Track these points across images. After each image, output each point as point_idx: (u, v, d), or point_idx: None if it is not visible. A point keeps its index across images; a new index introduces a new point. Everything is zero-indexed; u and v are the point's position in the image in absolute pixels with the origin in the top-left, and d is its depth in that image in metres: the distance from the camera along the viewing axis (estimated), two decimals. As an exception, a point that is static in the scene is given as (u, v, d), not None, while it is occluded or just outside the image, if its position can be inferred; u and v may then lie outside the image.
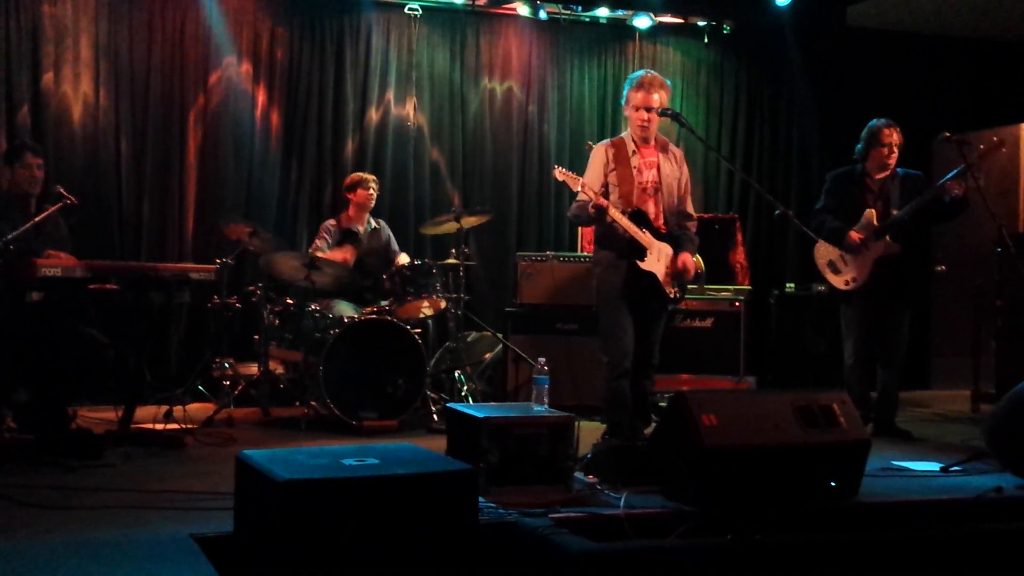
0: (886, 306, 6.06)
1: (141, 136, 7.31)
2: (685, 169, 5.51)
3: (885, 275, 6.00)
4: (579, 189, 5.21)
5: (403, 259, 6.83)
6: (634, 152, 5.30)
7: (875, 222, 6.01)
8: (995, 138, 5.97)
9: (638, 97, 5.28)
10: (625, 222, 5.16)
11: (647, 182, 5.30)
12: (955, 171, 5.82)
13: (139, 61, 7.29)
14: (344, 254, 6.70)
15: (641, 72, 5.44)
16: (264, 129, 7.60)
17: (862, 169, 6.16)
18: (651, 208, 5.31)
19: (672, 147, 5.48)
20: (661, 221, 5.33)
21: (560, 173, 5.28)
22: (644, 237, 5.19)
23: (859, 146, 6.16)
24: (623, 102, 5.42)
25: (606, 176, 5.30)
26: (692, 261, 5.35)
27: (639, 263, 5.20)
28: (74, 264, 5.00)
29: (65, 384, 5.11)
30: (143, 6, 7.29)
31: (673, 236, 5.35)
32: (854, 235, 6.01)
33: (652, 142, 5.37)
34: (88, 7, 7.15)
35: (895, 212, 5.98)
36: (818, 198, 6.43)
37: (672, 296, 5.32)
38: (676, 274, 5.32)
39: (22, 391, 5.29)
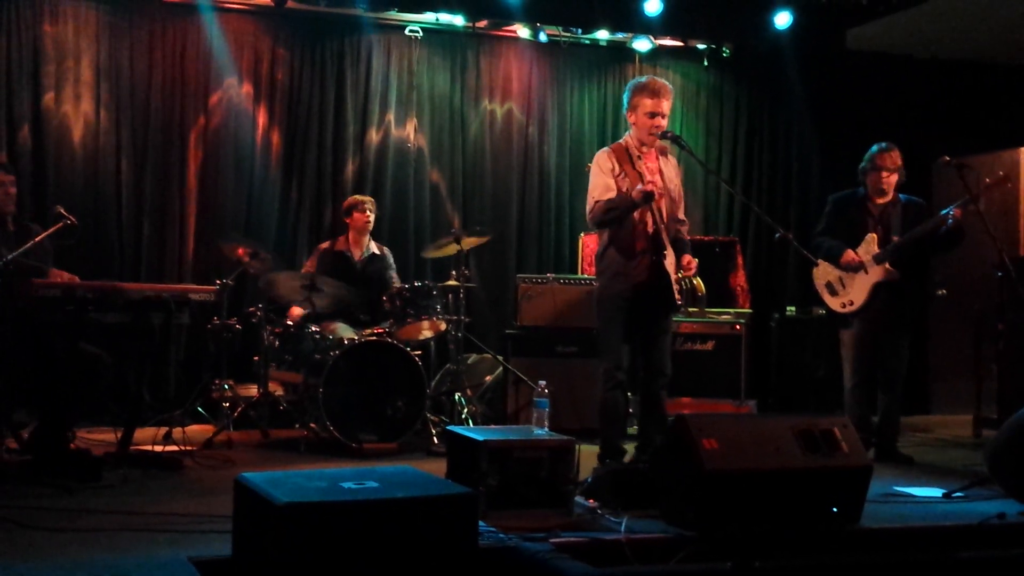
0: (884, 330, 6.05)
1: (141, 156, 7.32)
2: (678, 177, 5.52)
3: (883, 299, 6.00)
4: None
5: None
6: (639, 157, 5.30)
7: (876, 247, 6.01)
8: (1000, 172, 5.98)
9: (649, 104, 5.25)
10: (657, 215, 5.13)
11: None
12: (956, 204, 5.82)
13: (140, 82, 7.32)
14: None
15: (645, 78, 5.42)
16: (264, 150, 7.61)
17: (864, 193, 6.16)
18: (656, 214, 5.31)
19: (669, 155, 5.49)
20: (663, 227, 5.33)
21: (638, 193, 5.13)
22: (664, 236, 5.19)
23: (861, 166, 6.18)
24: (626, 107, 5.37)
25: (616, 181, 5.25)
26: (694, 259, 5.34)
27: (664, 261, 5.16)
28: (74, 284, 4.99)
29: (65, 405, 5.09)
30: (144, 27, 7.32)
31: (672, 242, 5.34)
32: (851, 254, 6.01)
33: (653, 148, 5.37)
34: (89, 27, 7.18)
35: (896, 238, 5.98)
36: (817, 221, 6.44)
37: (678, 302, 5.30)
38: (681, 280, 5.31)
39: (22, 412, 5.27)
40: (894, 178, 6.08)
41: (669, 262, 5.22)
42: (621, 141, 5.40)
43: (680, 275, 5.29)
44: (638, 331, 5.30)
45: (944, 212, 5.84)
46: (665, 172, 5.37)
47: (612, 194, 5.20)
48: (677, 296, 5.27)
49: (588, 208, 5.35)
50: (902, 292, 6.02)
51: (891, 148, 6.09)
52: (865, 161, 6.15)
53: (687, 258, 5.29)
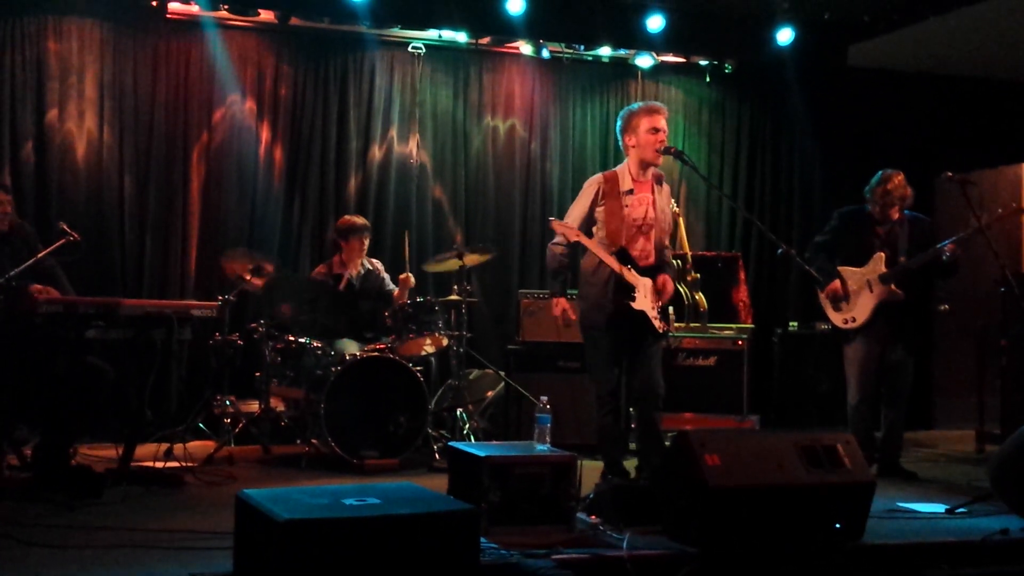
0: (889, 346, 6.04)
1: (144, 172, 7.34)
2: (670, 205, 5.53)
3: (887, 317, 5.99)
4: (574, 239, 5.23)
5: (398, 291, 6.80)
6: (630, 191, 5.28)
7: (883, 266, 6.00)
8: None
9: (647, 122, 5.25)
10: (617, 266, 5.15)
11: (640, 219, 5.29)
12: (953, 239, 5.83)
13: (143, 98, 7.34)
14: None
15: (636, 104, 5.43)
16: (267, 166, 7.63)
17: (870, 210, 6.15)
18: (642, 245, 5.29)
19: (664, 182, 5.49)
20: (652, 259, 5.33)
21: (559, 225, 5.25)
22: (632, 276, 5.19)
23: (867, 191, 6.15)
24: (622, 133, 5.36)
25: (593, 211, 5.30)
26: (671, 283, 5.34)
27: (631, 304, 5.18)
28: (76, 300, 5.00)
29: (66, 421, 5.08)
30: (148, 44, 7.34)
31: (657, 267, 5.34)
32: (836, 286, 6.02)
33: (650, 175, 5.36)
34: (93, 44, 7.21)
35: (903, 259, 5.97)
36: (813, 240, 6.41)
37: (661, 331, 5.29)
38: (663, 308, 5.30)
39: (23, 428, 5.26)
40: (895, 209, 6.07)
41: (641, 300, 5.20)
42: (617, 170, 5.39)
43: (659, 302, 5.29)
44: (625, 355, 5.30)
45: (940, 246, 5.85)
46: (658, 202, 5.36)
47: (574, 226, 5.23)
48: (658, 326, 5.26)
49: (554, 240, 5.37)
50: (906, 309, 6.02)
51: (892, 177, 6.03)
52: (869, 191, 6.11)
53: (662, 279, 5.28)
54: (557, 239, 5.36)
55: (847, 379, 6.15)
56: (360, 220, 6.93)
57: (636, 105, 5.41)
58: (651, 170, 5.34)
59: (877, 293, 5.99)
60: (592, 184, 5.36)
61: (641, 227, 5.28)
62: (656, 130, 5.25)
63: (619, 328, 5.22)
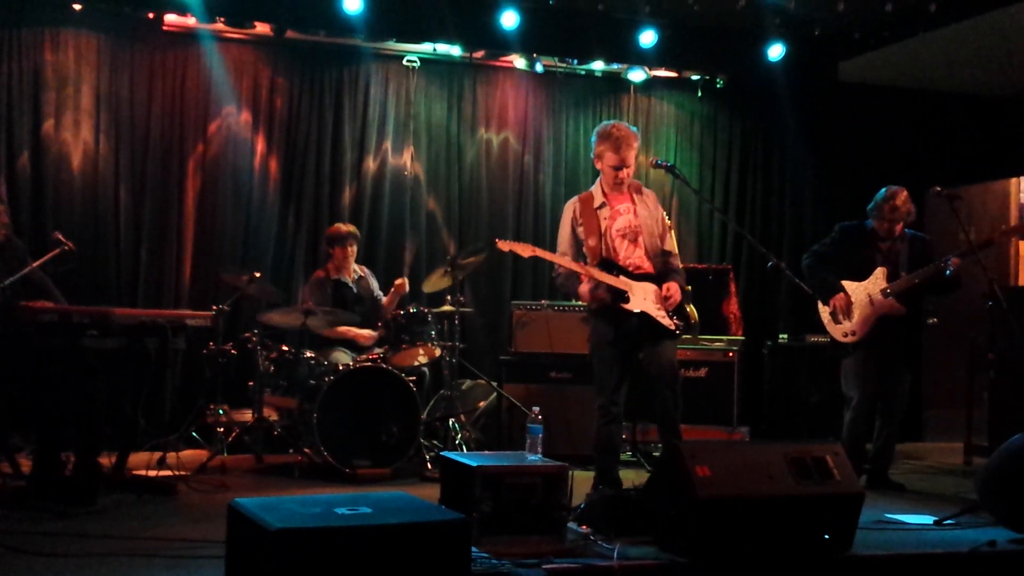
0: (887, 361, 6.06)
1: (140, 183, 7.36)
2: (660, 209, 5.55)
3: (886, 331, 6.01)
4: (528, 255, 5.46)
5: (388, 298, 6.87)
6: (603, 204, 5.35)
7: (884, 282, 6.03)
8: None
9: (612, 158, 5.28)
10: (597, 274, 5.23)
11: (624, 228, 5.34)
12: (955, 253, 5.87)
13: (139, 109, 7.37)
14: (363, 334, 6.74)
15: (610, 124, 5.39)
16: (262, 177, 7.66)
17: (871, 227, 6.17)
18: (631, 252, 5.34)
19: (645, 189, 5.52)
20: (647, 264, 5.37)
21: (505, 245, 5.44)
22: (620, 282, 5.25)
23: (870, 207, 6.17)
24: (592, 152, 5.41)
25: (575, 232, 5.39)
26: (677, 287, 5.36)
27: (624, 306, 5.23)
28: (70, 309, 5.02)
29: (60, 429, 5.09)
30: (144, 55, 7.38)
31: (659, 275, 5.38)
32: (842, 298, 6.04)
33: (624, 189, 5.41)
34: (90, 55, 7.24)
35: (904, 275, 6.00)
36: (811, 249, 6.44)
37: (673, 327, 5.32)
38: (675, 311, 5.35)
39: (17, 436, 5.27)
40: (899, 226, 6.10)
41: (639, 302, 5.25)
42: (591, 189, 5.47)
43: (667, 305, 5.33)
44: (634, 361, 5.34)
45: (944, 260, 5.87)
46: (640, 210, 5.39)
47: (569, 254, 5.38)
48: (670, 324, 5.30)
49: (554, 271, 5.54)
50: (904, 323, 6.04)
51: (899, 193, 6.03)
52: (875, 207, 6.10)
53: (667, 286, 5.31)
54: (556, 269, 5.47)
55: (845, 392, 6.15)
56: (345, 228, 6.97)
57: (608, 127, 5.35)
58: (626, 182, 5.39)
59: (877, 307, 6.01)
60: (568, 208, 5.47)
61: (626, 235, 5.35)
62: (618, 167, 5.29)
63: (626, 337, 5.27)
